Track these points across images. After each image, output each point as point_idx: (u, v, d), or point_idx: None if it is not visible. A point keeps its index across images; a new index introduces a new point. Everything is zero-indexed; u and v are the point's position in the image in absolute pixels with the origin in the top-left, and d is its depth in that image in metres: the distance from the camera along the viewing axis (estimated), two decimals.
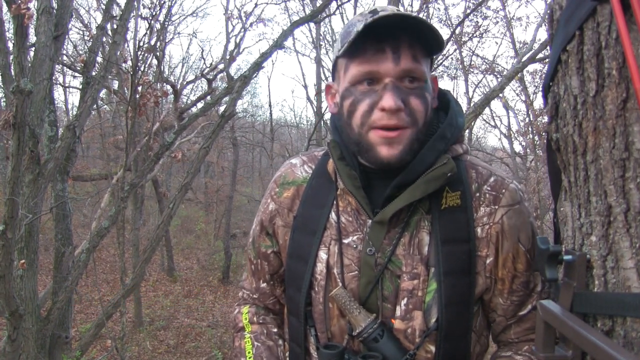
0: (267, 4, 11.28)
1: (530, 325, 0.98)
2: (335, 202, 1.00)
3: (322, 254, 0.99)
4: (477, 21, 9.77)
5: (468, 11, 8.78)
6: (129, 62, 5.53)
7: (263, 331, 1.12)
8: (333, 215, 1.00)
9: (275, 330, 1.14)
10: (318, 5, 6.75)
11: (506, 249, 0.94)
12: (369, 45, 0.87)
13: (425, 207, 0.95)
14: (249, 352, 1.07)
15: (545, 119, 0.81)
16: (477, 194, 0.96)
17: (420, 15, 1.00)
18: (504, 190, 0.96)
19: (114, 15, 5.62)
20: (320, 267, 0.99)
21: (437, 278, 0.91)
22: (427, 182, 0.90)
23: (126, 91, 7.13)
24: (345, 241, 0.98)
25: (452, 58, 11.09)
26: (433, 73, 1.01)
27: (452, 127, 0.96)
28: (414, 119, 0.89)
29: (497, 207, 0.95)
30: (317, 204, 1.02)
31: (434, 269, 0.92)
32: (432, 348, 0.93)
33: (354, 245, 0.97)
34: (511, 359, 0.97)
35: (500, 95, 10.08)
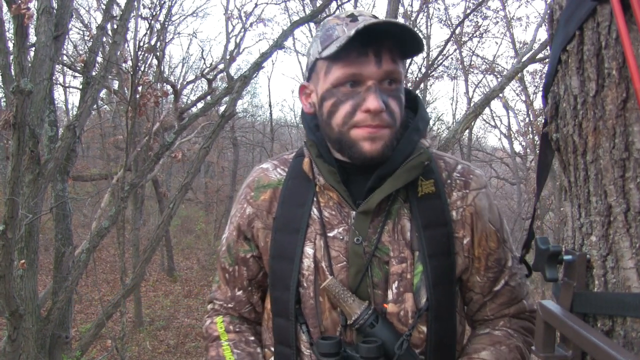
0: (267, 4, 11.27)
1: (503, 300, 1.05)
2: (315, 199, 1.04)
3: (308, 250, 1.02)
4: (477, 21, 9.78)
5: (468, 11, 8.79)
6: (129, 62, 5.53)
7: (241, 339, 1.12)
8: (315, 211, 1.03)
9: (252, 338, 1.14)
10: (318, 5, 6.76)
11: (480, 228, 1.03)
12: (353, 48, 0.91)
13: (403, 196, 1.01)
14: (230, 359, 1.07)
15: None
16: (449, 181, 1.04)
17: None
18: (471, 176, 1.05)
19: (114, 15, 5.62)
20: (308, 262, 1.01)
21: (422, 260, 0.98)
22: (408, 171, 0.97)
23: (126, 91, 7.13)
24: (331, 234, 1.02)
25: (452, 58, 11.09)
26: (408, 76, 1.07)
27: (423, 122, 1.04)
28: (393, 119, 0.96)
29: (467, 191, 1.03)
30: (297, 203, 1.05)
31: (418, 253, 0.98)
32: (424, 329, 0.98)
33: (340, 237, 1.01)
34: (490, 335, 1.04)
35: (500, 95, 10.09)
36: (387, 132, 0.95)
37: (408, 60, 9.75)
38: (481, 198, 1.03)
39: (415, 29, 9.50)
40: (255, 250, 1.11)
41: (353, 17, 0.96)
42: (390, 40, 0.93)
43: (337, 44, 0.90)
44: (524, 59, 6.48)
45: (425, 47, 10.58)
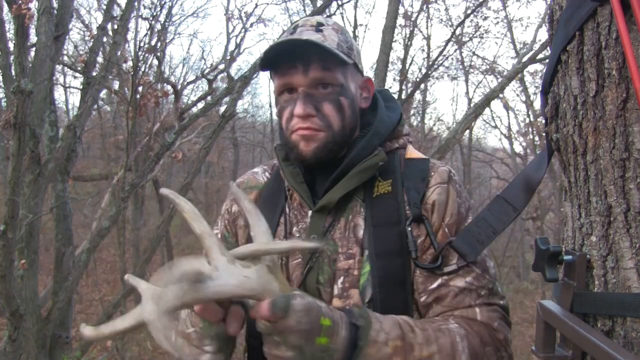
0: (267, 4, 11.28)
1: (446, 302, 0.97)
2: (286, 200, 1.10)
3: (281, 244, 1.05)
4: (477, 22, 9.77)
5: (468, 12, 8.79)
6: (130, 63, 5.54)
7: None
8: (285, 211, 1.09)
9: None
10: (318, 5, 6.76)
11: (432, 224, 1.01)
12: (284, 61, 0.99)
13: (360, 196, 1.04)
14: None
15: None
16: (407, 181, 1.04)
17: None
18: (432, 173, 1.05)
19: (115, 15, 5.63)
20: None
21: (370, 259, 0.98)
22: (361, 172, 1.01)
23: (127, 91, 7.13)
24: (292, 232, 1.07)
25: (452, 58, 11.09)
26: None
27: (384, 124, 1.07)
28: (327, 123, 1.00)
29: (426, 188, 1.03)
30: (271, 204, 1.11)
31: (367, 252, 0.99)
32: None
33: (297, 235, 1.06)
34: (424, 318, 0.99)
35: (501, 95, 10.09)
36: (320, 135, 0.99)
37: (408, 61, 9.76)
38: (440, 192, 1.02)
39: (416, 29, 9.50)
40: (237, 246, 1.13)
41: (294, 29, 1.03)
42: (317, 51, 0.97)
43: (261, 58, 0.99)
44: (524, 59, 6.48)
45: (426, 48, 10.60)
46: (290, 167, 1.06)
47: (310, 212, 1.05)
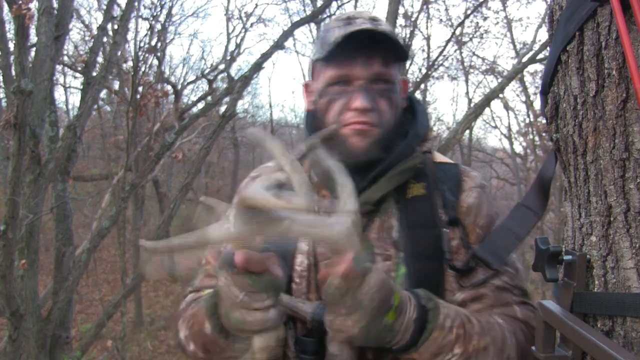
0: (267, 4, 11.29)
1: (486, 301, 0.97)
2: None
3: (303, 246, 1.02)
4: (477, 22, 9.77)
5: (468, 12, 8.78)
6: (130, 63, 5.54)
7: None
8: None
9: None
10: (318, 5, 6.76)
11: (466, 227, 1.02)
12: (344, 51, 0.95)
13: (393, 197, 1.02)
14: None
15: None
16: (441, 184, 1.04)
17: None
18: (465, 177, 1.05)
19: (115, 15, 5.63)
20: (301, 258, 1.01)
21: (405, 262, 0.97)
22: (400, 173, 1.00)
23: (127, 91, 7.13)
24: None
25: (452, 59, 11.08)
26: (408, 76, 1.06)
27: (423, 127, 1.06)
28: (381, 120, 0.98)
29: (460, 192, 1.03)
30: None
31: (402, 254, 0.98)
32: None
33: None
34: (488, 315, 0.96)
35: (501, 95, 10.08)
36: (375, 131, 0.97)
37: (409, 61, 9.76)
38: (473, 196, 1.03)
39: (416, 29, 9.50)
40: None
41: (349, 21, 1.00)
42: (383, 44, 0.96)
43: (328, 48, 0.95)
44: (524, 59, 6.48)
45: (426, 48, 10.60)
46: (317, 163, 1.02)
47: None
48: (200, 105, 8.84)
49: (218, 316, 0.86)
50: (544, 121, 0.80)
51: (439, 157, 1.10)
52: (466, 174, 1.06)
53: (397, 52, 0.98)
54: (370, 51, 0.96)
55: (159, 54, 8.68)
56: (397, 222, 1.00)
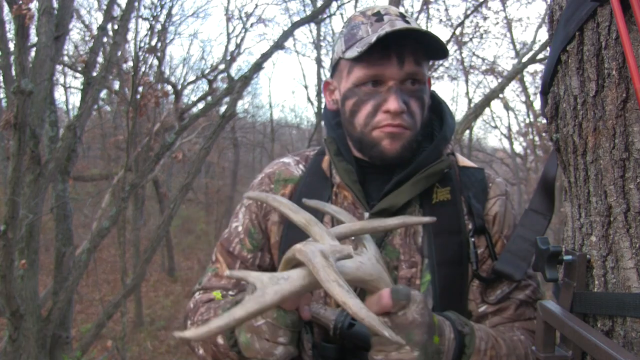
0: (267, 4, 11.30)
1: (507, 314, 0.98)
2: (331, 198, 1.02)
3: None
4: (477, 22, 9.77)
5: (468, 12, 8.78)
6: (130, 63, 5.54)
7: None
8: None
9: None
10: (319, 5, 6.76)
11: (493, 236, 1.01)
12: (375, 50, 0.90)
13: (418, 201, 0.99)
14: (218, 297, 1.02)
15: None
16: (466, 190, 1.01)
17: (422, 22, 1.03)
18: (490, 184, 1.04)
19: (115, 15, 5.63)
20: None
21: (430, 269, 0.95)
22: (427, 177, 0.96)
23: (127, 91, 7.13)
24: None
25: (452, 59, 11.08)
26: (431, 74, 1.04)
27: (450, 129, 1.02)
28: (414, 121, 0.95)
29: (486, 199, 1.01)
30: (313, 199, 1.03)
31: (427, 260, 0.96)
32: None
33: (352, 238, 0.97)
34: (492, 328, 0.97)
35: (501, 95, 10.08)
36: (407, 133, 0.94)
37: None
38: (500, 205, 1.01)
39: None
40: (267, 243, 1.07)
41: (379, 16, 0.95)
42: (415, 42, 0.92)
43: (359, 48, 0.91)
44: (524, 59, 6.48)
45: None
46: (342, 163, 0.99)
47: (367, 215, 0.98)
48: (200, 105, 8.84)
49: (233, 330, 0.86)
50: (544, 121, 0.80)
51: (463, 161, 1.07)
52: (491, 180, 1.04)
53: (429, 49, 0.94)
54: (403, 50, 0.92)
55: (159, 54, 8.68)
56: (422, 228, 0.98)
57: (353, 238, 0.87)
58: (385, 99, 0.93)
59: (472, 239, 0.97)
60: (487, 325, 0.98)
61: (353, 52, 0.92)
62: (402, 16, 0.97)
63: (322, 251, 0.67)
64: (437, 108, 1.06)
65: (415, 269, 0.96)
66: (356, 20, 0.98)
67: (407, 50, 0.92)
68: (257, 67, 5.30)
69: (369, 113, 0.94)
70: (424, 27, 0.96)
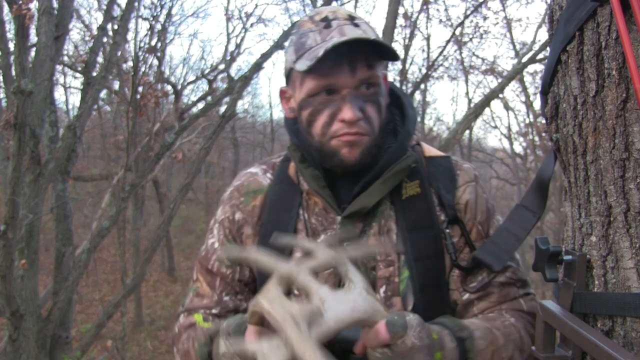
0: (267, 4, 11.30)
1: (493, 299, 0.98)
2: (301, 204, 1.02)
3: (299, 256, 0.99)
4: (477, 22, 9.77)
5: (468, 12, 8.79)
6: (130, 63, 5.54)
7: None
8: (302, 217, 1.01)
9: None
10: (318, 5, 6.75)
11: (466, 223, 1.00)
12: (326, 59, 0.88)
13: (388, 199, 0.99)
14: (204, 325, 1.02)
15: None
16: (435, 181, 1.01)
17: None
18: (459, 172, 1.02)
19: (115, 15, 5.63)
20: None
21: (408, 265, 0.95)
22: (395, 175, 0.96)
23: (127, 91, 7.13)
24: (318, 240, 0.99)
25: (452, 59, 11.08)
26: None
27: (412, 122, 1.02)
28: (371, 126, 0.94)
29: (455, 188, 1.01)
30: (283, 208, 1.02)
31: (403, 257, 0.96)
32: None
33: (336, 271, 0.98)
34: (483, 316, 0.98)
35: (501, 95, 10.08)
36: (365, 139, 0.93)
37: (408, 61, 9.76)
38: (470, 192, 1.01)
39: (416, 29, 9.50)
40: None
41: (327, 22, 0.94)
42: (366, 45, 0.91)
43: (309, 61, 0.89)
44: (524, 59, 6.48)
45: (426, 48, 10.60)
46: (309, 169, 0.98)
47: (339, 219, 0.98)
48: (200, 105, 8.84)
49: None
50: (544, 121, 0.80)
51: (429, 151, 1.06)
52: (459, 168, 1.03)
53: (382, 50, 0.92)
54: (354, 57, 0.91)
55: (159, 54, 8.68)
56: (396, 225, 0.98)
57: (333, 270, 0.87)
58: (340, 107, 0.92)
59: (447, 230, 0.97)
60: (474, 312, 0.99)
61: (303, 65, 0.90)
62: (351, 19, 0.95)
63: (293, 317, 0.65)
64: (398, 102, 1.05)
65: (393, 267, 0.96)
66: (305, 28, 0.96)
67: (358, 56, 0.91)
68: (257, 67, 5.30)
69: (325, 123, 0.93)
70: (372, 34, 0.94)
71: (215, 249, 1.07)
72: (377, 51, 0.93)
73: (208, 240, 1.09)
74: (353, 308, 0.70)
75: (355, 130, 0.92)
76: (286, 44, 1.05)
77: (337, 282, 0.96)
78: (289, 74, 0.99)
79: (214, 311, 1.05)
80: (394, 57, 0.94)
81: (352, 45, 0.88)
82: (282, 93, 1.04)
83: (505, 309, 0.98)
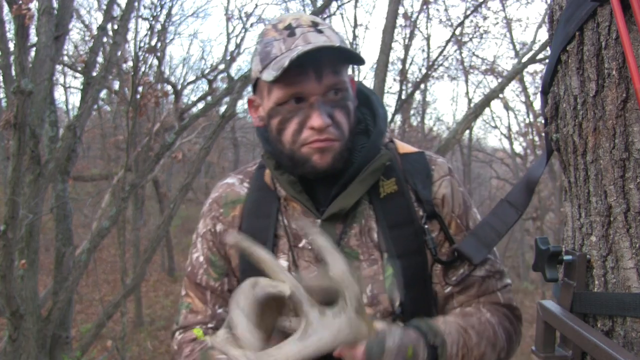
0: (267, 4, 11.31)
1: (471, 292, 1.01)
2: (279, 211, 1.03)
3: (283, 262, 1.00)
4: (477, 22, 9.77)
5: (468, 12, 8.78)
6: (130, 63, 5.54)
7: None
8: (282, 222, 1.02)
9: None
10: (318, 5, 6.76)
11: (444, 217, 1.02)
12: (292, 68, 0.88)
13: (366, 198, 1.00)
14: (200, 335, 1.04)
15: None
16: (411, 177, 1.02)
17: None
18: (433, 167, 1.04)
19: (115, 15, 5.63)
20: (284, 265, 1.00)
21: (391, 262, 0.97)
22: (371, 175, 0.97)
23: (127, 91, 7.13)
24: (300, 245, 1.01)
25: (452, 59, 11.08)
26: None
27: (383, 121, 1.03)
28: (341, 131, 0.95)
29: (431, 183, 1.02)
30: (262, 215, 1.03)
31: (386, 254, 0.98)
32: (401, 324, 0.98)
33: (309, 247, 1.00)
34: (461, 310, 1.01)
35: (501, 95, 10.08)
36: (336, 145, 0.94)
37: (408, 61, 9.76)
38: (445, 186, 1.02)
39: (416, 29, 9.50)
40: (230, 267, 1.07)
41: (290, 30, 0.94)
42: (331, 51, 0.92)
43: (274, 71, 0.89)
44: (524, 59, 6.49)
45: (426, 48, 10.60)
46: (284, 175, 0.99)
47: (319, 222, 0.99)
48: (200, 105, 8.84)
49: None
50: (544, 121, 0.81)
51: (403, 147, 1.08)
52: (434, 163, 1.05)
53: (348, 54, 0.94)
54: (319, 64, 0.91)
55: (159, 54, 8.68)
56: (376, 223, 0.99)
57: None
58: (309, 115, 0.92)
59: (426, 226, 0.99)
60: (454, 304, 1.02)
61: (269, 75, 0.90)
62: (315, 25, 0.95)
63: (238, 305, 0.72)
64: (367, 102, 1.06)
65: (377, 265, 0.97)
66: (269, 36, 0.96)
67: (324, 63, 0.91)
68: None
69: (295, 131, 0.94)
70: (336, 39, 0.95)
71: (201, 262, 1.08)
72: (343, 56, 0.94)
73: (192, 254, 1.10)
74: (336, 336, 0.74)
75: (325, 136, 0.93)
76: (252, 51, 1.04)
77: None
78: (256, 83, 1.00)
79: (209, 326, 1.06)
80: (359, 61, 0.96)
81: (317, 53, 0.89)
82: (250, 102, 1.04)
83: (483, 302, 1.01)
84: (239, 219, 1.05)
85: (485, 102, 6.23)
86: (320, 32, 0.94)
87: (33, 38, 3.94)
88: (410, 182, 1.01)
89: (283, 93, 0.93)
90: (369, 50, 25.71)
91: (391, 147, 1.05)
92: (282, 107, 0.94)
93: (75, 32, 11.78)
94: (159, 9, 6.90)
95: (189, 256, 1.11)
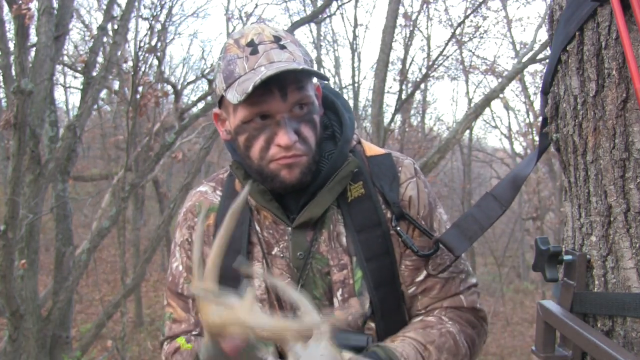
0: (267, 4, 11.31)
1: (434, 294, 1.02)
2: (251, 220, 1.04)
3: (258, 269, 1.01)
4: (477, 22, 9.77)
5: (468, 12, 8.78)
6: (130, 63, 5.55)
7: None
8: (255, 229, 1.03)
9: None
10: (318, 5, 6.76)
11: (412, 217, 1.03)
12: (256, 89, 0.88)
13: (335, 203, 1.01)
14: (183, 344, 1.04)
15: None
16: (378, 180, 1.03)
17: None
18: (400, 168, 1.05)
19: (115, 15, 5.63)
20: (258, 282, 1.01)
21: (360, 265, 0.98)
22: (339, 182, 0.98)
23: (127, 91, 7.13)
24: (273, 252, 1.02)
25: (452, 59, 11.07)
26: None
27: (349, 127, 1.04)
28: (308, 145, 0.96)
29: (399, 185, 1.03)
30: (235, 223, 1.03)
31: (355, 258, 0.99)
32: (372, 325, 1.00)
33: (281, 255, 1.01)
34: (422, 320, 1.02)
35: (501, 95, 10.08)
36: (303, 159, 0.95)
37: (408, 61, 9.76)
38: (412, 188, 1.03)
39: (416, 29, 9.50)
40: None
41: (253, 47, 0.93)
42: (293, 72, 0.91)
43: (238, 94, 0.89)
44: (524, 59, 6.49)
45: (426, 48, 10.60)
46: (254, 185, 0.99)
47: (289, 230, 1.00)
48: (200, 105, 8.81)
49: None
50: (543, 121, 0.81)
51: (370, 149, 1.08)
52: (401, 164, 1.05)
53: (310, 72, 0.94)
54: (283, 82, 0.91)
55: (158, 54, 8.67)
56: (344, 228, 1.00)
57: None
58: (276, 132, 0.93)
59: (398, 228, 1.00)
60: (418, 307, 1.03)
61: (233, 98, 0.91)
62: (277, 40, 0.95)
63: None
64: (333, 106, 1.07)
65: (346, 270, 0.98)
66: (231, 53, 0.95)
67: (288, 81, 0.91)
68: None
69: (262, 147, 0.95)
70: (299, 53, 0.95)
71: (181, 271, 1.08)
72: (307, 71, 0.93)
73: (172, 264, 1.11)
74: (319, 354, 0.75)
75: (292, 152, 0.93)
76: (215, 66, 1.04)
77: (296, 289, 0.97)
78: (221, 99, 1.00)
79: (194, 333, 1.07)
80: (322, 78, 0.98)
81: (280, 74, 0.89)
82: (216, 116, 1.04)
83: (445, 307, 1.02)
84: (213, 228, 1.06)
85: (486, 102, 6.23)
86: (283, 47, 0.94)
87: (33, 38, 3.95)
88: (377, 185, 1.02)
89: (248, 112, 0.93)
90: (369, 50, 25.69)
91: (358, 149, 1.06)
92: (248, 125, 0.94)
93: (75, 32, 11.77)
94: (159, 8, 6.89)
95: (169, 266, 1.12)
